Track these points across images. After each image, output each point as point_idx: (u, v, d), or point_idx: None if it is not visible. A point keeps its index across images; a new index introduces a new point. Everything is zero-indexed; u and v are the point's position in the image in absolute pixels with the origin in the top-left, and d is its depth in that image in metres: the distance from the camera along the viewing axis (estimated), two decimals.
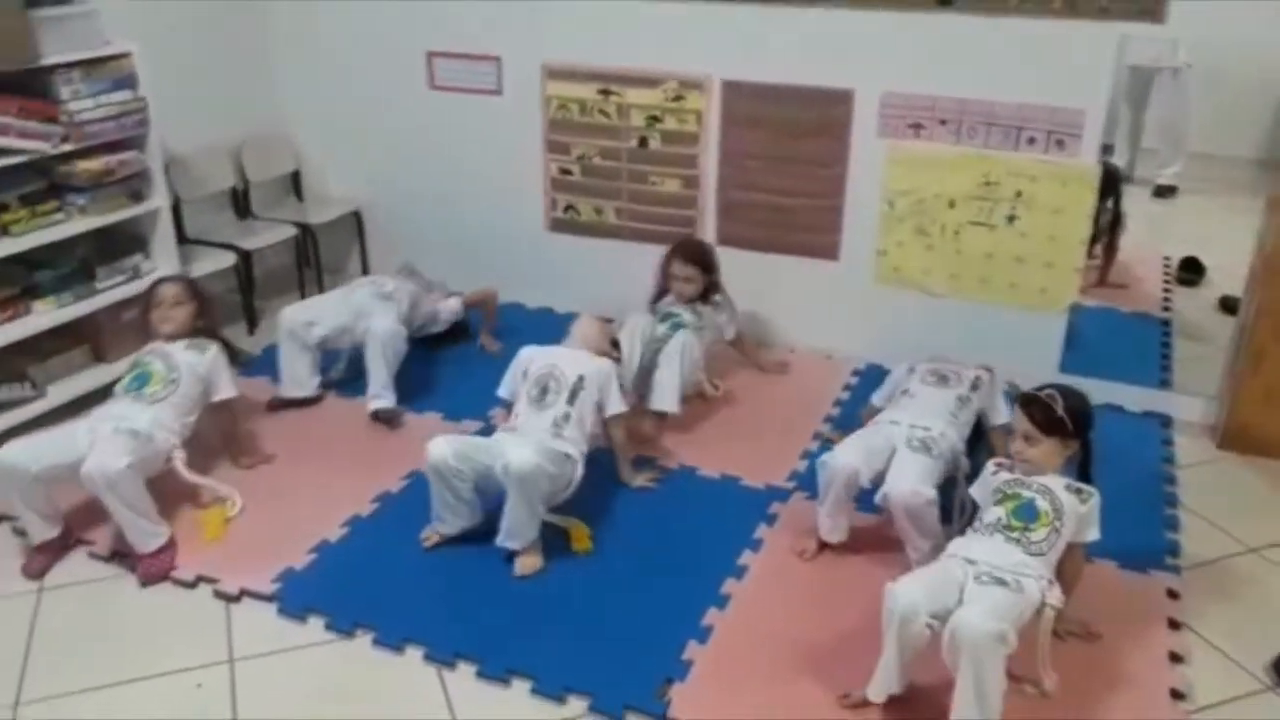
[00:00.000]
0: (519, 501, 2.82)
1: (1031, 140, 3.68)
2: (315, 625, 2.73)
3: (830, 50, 3.84)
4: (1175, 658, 2.65)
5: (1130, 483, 3.34)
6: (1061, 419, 2.56)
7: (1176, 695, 2.53)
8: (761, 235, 4.18)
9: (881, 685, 2.40)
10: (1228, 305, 4.75)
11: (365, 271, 4.95)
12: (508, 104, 4.39)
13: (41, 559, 2.94)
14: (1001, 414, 3.25)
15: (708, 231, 4.25)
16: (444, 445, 2.87)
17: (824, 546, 3.02)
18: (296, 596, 2.81)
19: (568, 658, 2.60)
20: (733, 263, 4.12)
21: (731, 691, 2.51)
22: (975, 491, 2.74)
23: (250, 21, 4.59)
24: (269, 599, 2.81)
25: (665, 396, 3.52)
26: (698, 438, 3.62)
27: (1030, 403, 2.62)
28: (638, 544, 3.05)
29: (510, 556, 2.91)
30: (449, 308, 4.19)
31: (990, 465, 2.73)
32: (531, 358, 3.21)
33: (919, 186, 3.87)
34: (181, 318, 3.29)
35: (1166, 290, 5.02)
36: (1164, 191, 6.25)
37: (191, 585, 2.87)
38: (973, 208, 3.83)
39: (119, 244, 3.84)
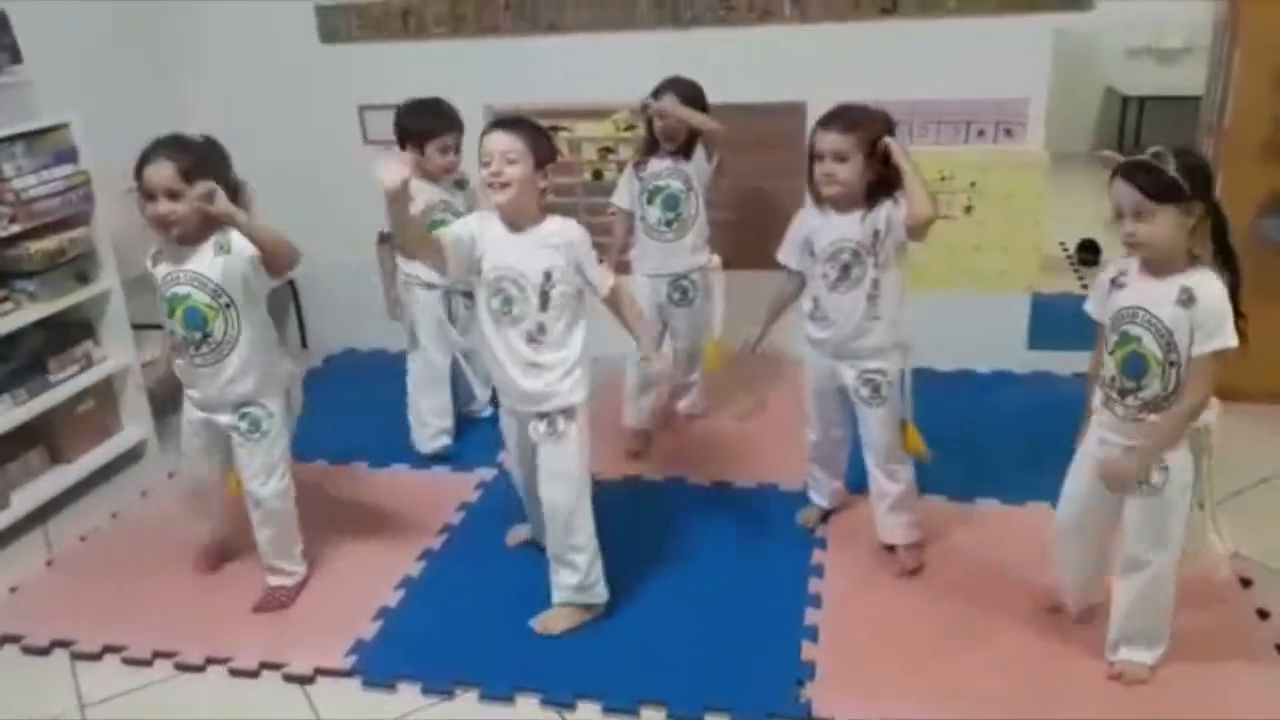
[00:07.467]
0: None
1: (981, 132, 3.90)
2: (408, 692, 2.54)
3: (781, 66, 3.95)
4: None
5: None
6: (1176, 180, 2.14)
7: None
8: (729, 253, 4.22)
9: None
10: None
11: (304, 344, 4.72)
12: None
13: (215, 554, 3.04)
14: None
15: None
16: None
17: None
18: (379, 666, 2.61)
19: (690, 679, 2.51)
20: None
21: (866, 680, 2.49)
22: (1092, 308, 2.42)
23: (164, 85, 4.30)
24: (348, 674, 2.60)
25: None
26: (710, 450, 3.64)
27: (1133, 171, 2.18)
28: (707, 563, 2.99)
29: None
30: None
31: (1109, 268, 2.38)
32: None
33: None
34: (184, 213, 2.43)
35: (1077, 272, 5.39)
36: None
37: (254, 674, 2.62)
38: None
39: (66, 333, 3.50)
